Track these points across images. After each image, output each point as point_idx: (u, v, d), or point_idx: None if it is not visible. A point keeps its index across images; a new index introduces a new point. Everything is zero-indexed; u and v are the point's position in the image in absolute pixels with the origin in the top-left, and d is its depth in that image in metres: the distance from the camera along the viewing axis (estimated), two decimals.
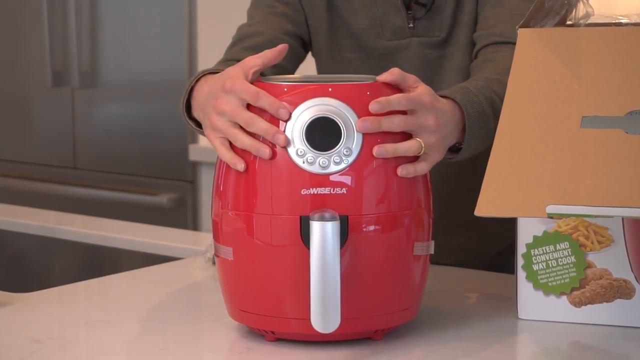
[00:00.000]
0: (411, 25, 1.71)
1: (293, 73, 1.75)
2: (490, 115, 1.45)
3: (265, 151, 1.29)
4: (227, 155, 1.32)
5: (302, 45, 1.78)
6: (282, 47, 1.36)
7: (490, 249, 1.83)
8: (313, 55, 1.82)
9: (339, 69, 1.78)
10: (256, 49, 1.59)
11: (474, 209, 1.28)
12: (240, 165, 1.30)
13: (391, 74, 1.34)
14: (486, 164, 1.30)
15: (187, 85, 1.51)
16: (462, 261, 1.78)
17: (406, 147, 1.31)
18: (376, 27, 1.73)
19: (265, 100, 1.30)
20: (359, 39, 1.75)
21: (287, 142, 1.28)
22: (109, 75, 3.63)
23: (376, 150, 1.29)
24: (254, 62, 1.35)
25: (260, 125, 1.29)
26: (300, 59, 1.79)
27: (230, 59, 1.67)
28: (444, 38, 1.71)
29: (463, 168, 1.73)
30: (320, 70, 1.82)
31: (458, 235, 1.79)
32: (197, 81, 1.50)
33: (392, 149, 1.30)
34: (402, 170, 1.31)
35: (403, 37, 1.72)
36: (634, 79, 1.32)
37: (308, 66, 1.85)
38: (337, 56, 1.77)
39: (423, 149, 1.32)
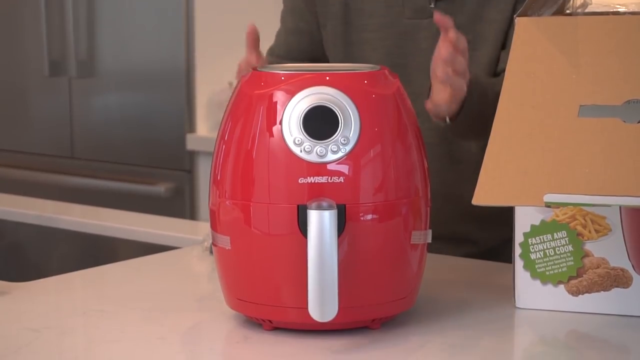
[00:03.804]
0: (432, 5, 1.74)
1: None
2: (493, 101, 1.52)
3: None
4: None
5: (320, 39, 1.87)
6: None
7: (487, 240, 1.83)
8: (325, 46, 1.85)
9: (355, 50, 1.80)
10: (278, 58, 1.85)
11: (470, 199, 1.29)
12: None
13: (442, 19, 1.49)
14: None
15: None
16: (465, 254, 1.79)
17: (460, 83, 1.52)
18: (397, 5, 1.76)
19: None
20: (379, 17, 1.77)
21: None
22: (106, 64, 3.63)
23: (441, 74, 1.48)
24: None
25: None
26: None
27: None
28: (464, 23, 1.72)
29: (464, 156, 1.75)
30: (334, 57, 1.84)
31: (459, 224, 1.80)
32: None
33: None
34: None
35: (424, 16, 1.75)
36: (631, 67, 1.32)
37: None
38: (354, 38, 1.80)
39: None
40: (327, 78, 1.31)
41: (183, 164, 3.46)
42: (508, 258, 1.63)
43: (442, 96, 1.54)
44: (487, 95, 1.57)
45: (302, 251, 1.25)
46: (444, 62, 1.48)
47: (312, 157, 1.28)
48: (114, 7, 3.58)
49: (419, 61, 1.75)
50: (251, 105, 1.32)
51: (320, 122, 1.29)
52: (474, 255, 1.79)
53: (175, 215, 2.99)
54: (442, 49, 1.48)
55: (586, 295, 1.42)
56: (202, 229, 2.01)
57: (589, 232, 1.42)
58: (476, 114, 1.57)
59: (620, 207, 1.39)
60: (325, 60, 1.85)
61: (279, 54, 1.87)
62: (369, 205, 1.29)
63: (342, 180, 1.28)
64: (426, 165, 1.36)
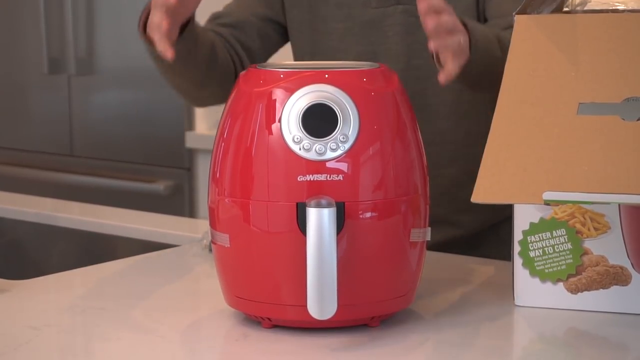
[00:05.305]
0: None
1: (260, 52, 1.84)
2: (495, 44, 1.54)
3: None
4: (160, 45, 1.59)
5: (274, 29, 1.85)
6: None
7: (468, 223, 1.83)
8: (290, 32, 1.85)
9: (323, 40, 1.80)
10: (223, 26, 1.83)
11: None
12: (168, 54, 1.54)
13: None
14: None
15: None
16: (447, 237, 1.79)
17: (453, 41, 1.43)
18: None
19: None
20: (346, 7, 1.78)
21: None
22: (105, 62, 3.63)
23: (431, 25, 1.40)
24: None
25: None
26: (271, 40, 1.86)
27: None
28: None
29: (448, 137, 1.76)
30: (299, 45, 1.84)
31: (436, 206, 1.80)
32: None
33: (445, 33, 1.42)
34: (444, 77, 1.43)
35: (388, 4, 1.77)
36: (630, 65, 1.32)
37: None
38: (321, 28, 1.81)
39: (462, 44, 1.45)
40: (326, 76, 1.31)
41: (182, 162, 3.46)
42: (492, 245, 1.63)
43: (445, 58, 1.50)
44: (489, 39, 1.55)
45: (301, 249, 1.25)
46: (431, 34, 1.45)
47: (311, 155, 1.28)
48: (113, 5, 3.58)
49: (386, 49, 1.77)
50: (250, 103, 1.32)
51: (319, 120, 1.29)
52: (455, 240, 1.79)
53: (174, 213, 2.98)
54: (425, 22, 1.44)
55: (585, 293, 1.42)
56: (201, 226, 2.01)
57: (588, 229, 1.42)
58: (485, 61, 1.54)
59: (619, 205, 1.39)
60: (259, 52, 1.84)
61: (225, 23, 1.86)
62: (368, 203, 1.29)
63: (341, 178, 1.28)
64: (425, 162, 1.36)
